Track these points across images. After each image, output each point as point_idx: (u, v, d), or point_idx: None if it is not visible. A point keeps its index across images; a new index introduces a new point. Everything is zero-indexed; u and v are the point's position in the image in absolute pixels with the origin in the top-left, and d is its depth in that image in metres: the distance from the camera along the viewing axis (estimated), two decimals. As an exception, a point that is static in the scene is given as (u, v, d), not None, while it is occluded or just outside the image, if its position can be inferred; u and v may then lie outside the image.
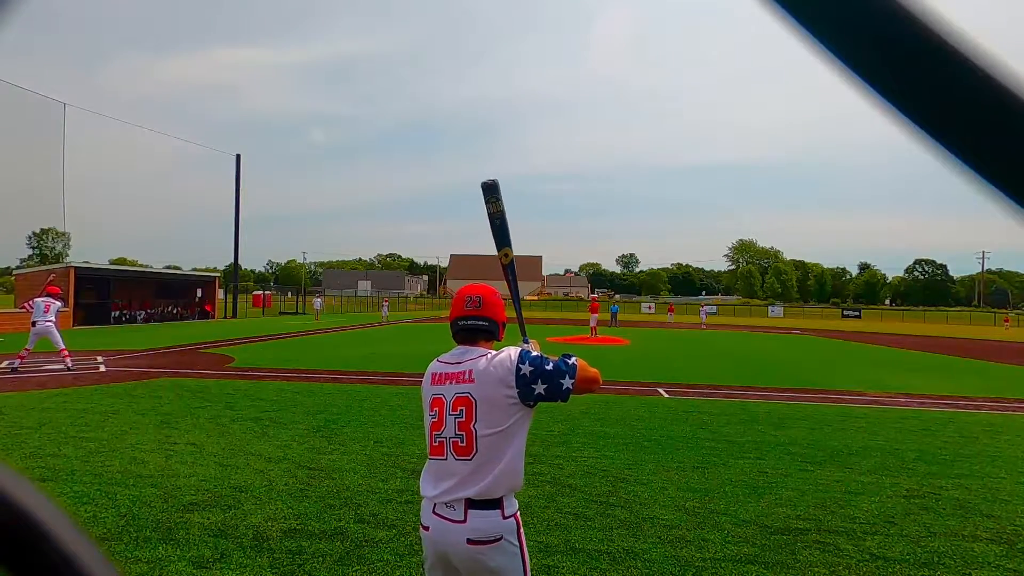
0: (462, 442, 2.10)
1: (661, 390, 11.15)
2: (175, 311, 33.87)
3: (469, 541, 2.05)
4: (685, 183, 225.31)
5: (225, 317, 36.22)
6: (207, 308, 35.48)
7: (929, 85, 0.29)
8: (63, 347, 12.48)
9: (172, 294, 34.85)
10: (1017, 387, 13.04)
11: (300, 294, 52.63)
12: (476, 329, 2.27)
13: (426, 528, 2.15)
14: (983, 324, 57.97)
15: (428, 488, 2.16)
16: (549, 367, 2.11)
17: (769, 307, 73.08)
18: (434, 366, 2.28)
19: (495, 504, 2.08)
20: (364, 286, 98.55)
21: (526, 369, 2.10)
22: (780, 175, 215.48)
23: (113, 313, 29.23)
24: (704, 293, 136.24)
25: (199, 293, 35.85)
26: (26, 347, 12.43)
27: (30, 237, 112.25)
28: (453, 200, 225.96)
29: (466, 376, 2.14)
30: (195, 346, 18.09)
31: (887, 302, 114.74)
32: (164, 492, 4.95)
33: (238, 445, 6.46)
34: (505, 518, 2.09)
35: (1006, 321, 51.23)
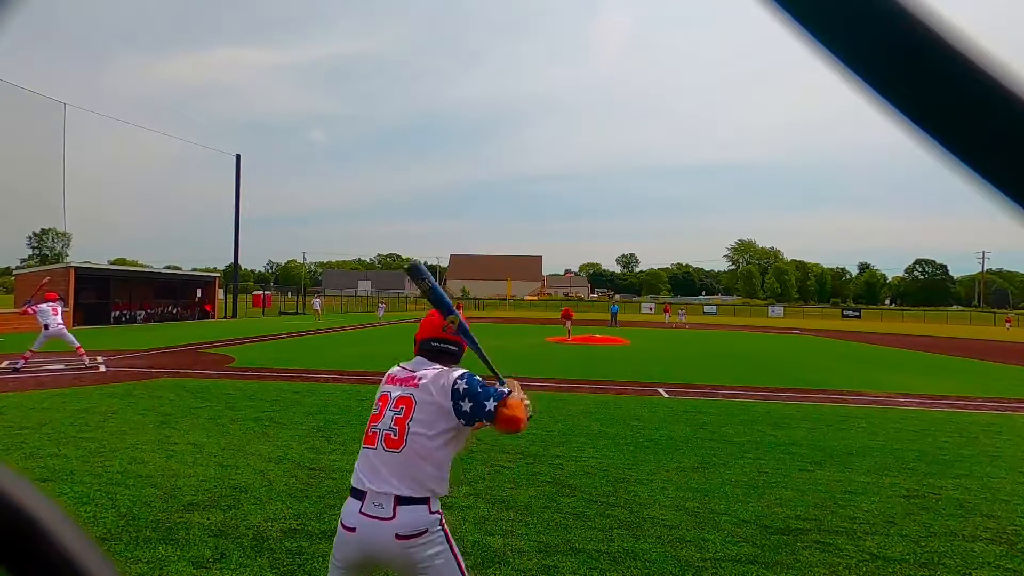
0: (394, 435, 2.23)
1: (661, 390, 11.15)
2: (175, 311, 33.88)
3: (398, 536, 2.12)
4: (685, 183, 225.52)
5: (225, 317, 36.22)
6: (207, 308, 35.49)
7: (929, 85, 0.29)
8: (78, 344, 12.67)
9: (172, 294, 34.85)
10: (1017, 387, 13.04)
11: (300, 294, 52.63)
12: (444, 351, 2.47)
13: (351, 529, 2.18)
14: (983, 324, 57.97)
15: (358, 479, 2.24)
16: (479, 390, 2.24)
17: (769, 307, 73.10)
18: (394, 370, 2.45)
19: (422, 501, 2.18)
20: (364, 286, 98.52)
21: (461, 385, 2.25)
22: (780, 175, 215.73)
23: (113, 313, 29.24)
24: (704, 293, 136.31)
25: (199, 293, 35.86)
26: (31, 348, 12.42)
27: (30, 237, 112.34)
28: (453, 200, 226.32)
29: (415, 381, 2.32)
30: (195, 346, 18.09)
31: (887, 302, 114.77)
32: (164, 492, 4.95)
33: (238, 445, 6.46)
34: (431, 512, 2.19)
35: (1007, 321, 50.94)
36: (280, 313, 45.25)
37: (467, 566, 2.32)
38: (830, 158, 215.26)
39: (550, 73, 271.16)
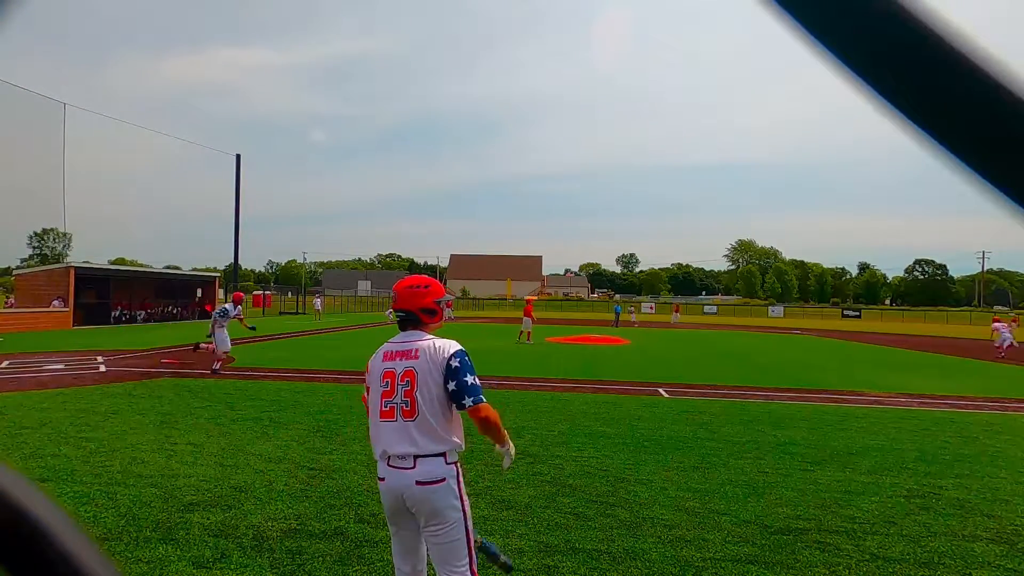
0: (407, 406, 2.57)
1: (661, 390, 11.15)
2: (175, 311, 33.88)
3: (418, 483, 2.51)
4: (685, 183, 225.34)
5: (225, 317, 36.17)
6: (207, 308, 35.47)
7: (929, 84, 0.29)
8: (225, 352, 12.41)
9: (172, 294, 34.84)
10: (1017, 387, 13.04)
11: (300, 294, 52.64)
12: (403, 320, 2.79)
13: (382, 479, 2.59)
14: (983, 324, 57.96)
15: (382, 446, 2.59)
16: (468, 380, 2.58)
17: (769, 307, 73.11)
18: (386, 346, 2.75)
19: (439, 455, 2.56)
20: (364, 286, 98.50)
21: (453, 363, 2.59)
22: (780, 175, 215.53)
23: (113, 313, 29.24)
24: (704, 293, 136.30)
25: (199, 293, 35.87)
26: (224, 351, 12.31)
27: (31, 237, 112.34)
28: (453, 200, 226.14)
29: (412, 354, 2.64)
30: (195, 346, 18.07)
31: (887, 302, 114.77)
32: (164, 492, 4.95)
33: (238, 445, 6.46)
34: (448, 464, 2.58)
35: (1014, 321, 49.97)
36: (280, 313, 45.25)
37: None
38: (830, 158, 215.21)
39: (550, 73, 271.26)
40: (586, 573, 3.73)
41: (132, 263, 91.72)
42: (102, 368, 12.67)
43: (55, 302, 25.70)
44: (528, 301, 24.43)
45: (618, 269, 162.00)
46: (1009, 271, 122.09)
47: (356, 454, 6.20)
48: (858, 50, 0.29)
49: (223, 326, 12.24)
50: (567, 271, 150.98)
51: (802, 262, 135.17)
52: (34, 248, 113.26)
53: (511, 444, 2.76)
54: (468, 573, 2.56)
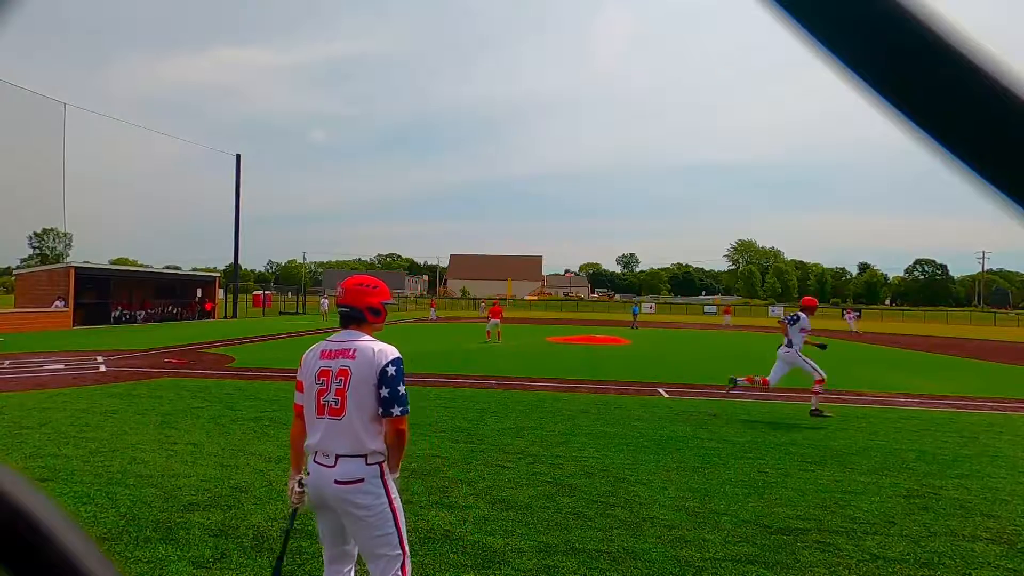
0: (336, 404, 2.56)
1: (661, 390, 11.15)
2: (175, 311, 33.88)
3: (336, 482, 2.51)
4: (685, 183, 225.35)
5: (225, 317, 36.22)
6: (207, 308, 35.49)
7: (929, 85, 0.29)
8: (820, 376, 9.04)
9: (172, 294, 34.86)
10: (1017, 387, 13.04)
11: (300, 294, 52.62)
12: (347, 316, 2.75)
13: (307, 474, 2.64)
14: (983, 324, 57.97)
15: (312, 442, 2.61)
16: (400, 390, 2.59)
17: (769, 307, 73.04)
18: (324, 344, 2.72)
19: (360, 456, 2.54)
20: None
21: (391, 371, 2.58)
22: (780, 175, 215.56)
23: (113, 313, 29.24)
24: (704, 293, 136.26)
25: (199, 293, 35.85)
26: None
27: (31, 237, 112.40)
28: (453, 200, 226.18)
29: (350, 353, 2.62)
30: (195, 346, 18.09)
31: (887, 302, 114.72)
32: (164, 492, 4.95)
33: (238, 445, 6.46)
34: (368, 464, 2.54)
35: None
36: (280, 313, 45.23)
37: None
38: (831, 158, 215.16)
39: (550, 73, 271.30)
40: (586, 573, 3.73)
41: (132, 263, 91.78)
42: (102, 368, 12.67)
43: (57, 302, 25.70)
44: (495, 303, 25.21)
45: (618, 269, 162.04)
46: (1009, 271, 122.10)
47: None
48: (858, 50, 0.29)
49: None
50: (567, 271, 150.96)
51: (802, 262, 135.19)
52: (34, 248, 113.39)
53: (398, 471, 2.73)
54: (397, 566, 2.55)
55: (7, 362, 13.19)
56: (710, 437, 7.35)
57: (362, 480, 2.52)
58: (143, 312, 31.56)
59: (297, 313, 45.22)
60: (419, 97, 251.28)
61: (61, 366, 12.72)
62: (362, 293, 2.76)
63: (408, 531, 4.26)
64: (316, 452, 2.59)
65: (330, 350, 2.67)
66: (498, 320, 22.23)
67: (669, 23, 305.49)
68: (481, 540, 4.15)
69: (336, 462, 2.53)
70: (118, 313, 29.78)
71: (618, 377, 12.86)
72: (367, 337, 2.69)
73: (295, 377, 2.78)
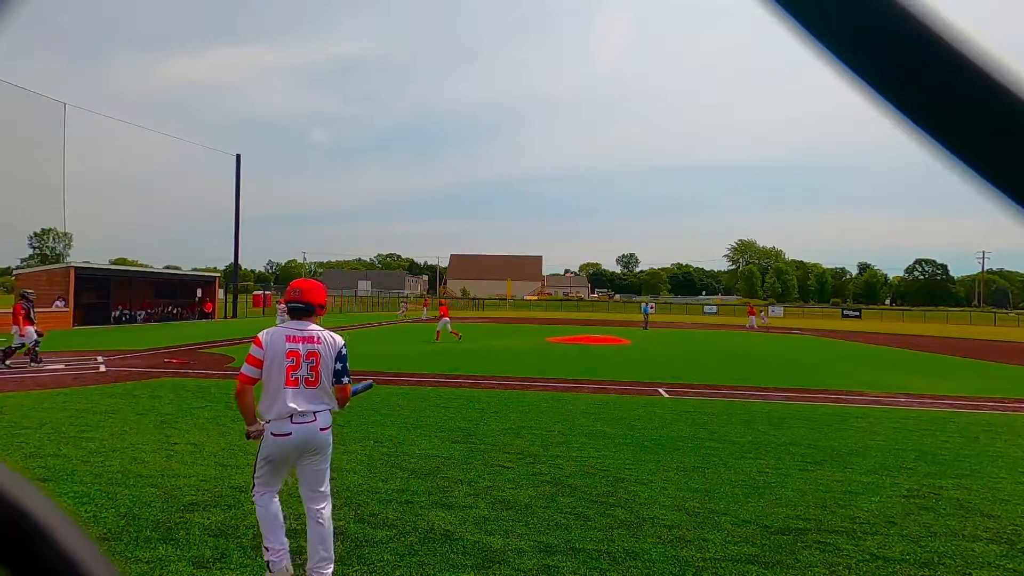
0: (311, 378, 3.48)
1: (661, 390, 11.15)
2: (175, 311, 33.87)
3: (321, 430, 3.51)
4: (685, 183, 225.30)
5: (225, 317, 36.22)
6: (207, 308, 35.47)
7: (929, 85, 0.29)
8: None
9: (172, 294, 34.83)
10: (1017, 387, 13.04)
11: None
12: (301, 310, 3.60)
13: (287, 435, 3.43)
14: (983, 324, 57.98)
15: (286, 407, 3.40)
16: (347, 365, 3.61)
17: (769, 307, 73.05)
18: (285, 331, 3.53)
19: (328, 410, 3.58)
20: (364, 286, 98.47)
21: (343, 352, 3.60)
22: (780, 175, 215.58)
23: (113, 313, 29.23)
24: (704, 293, 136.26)
25: (199, 293, 35.85)
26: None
27: (31, 237, 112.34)
28: (453, 200, 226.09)
29: (315, 340, 3.52)
30: (195, 346, 18.09)
31: (887, 302, 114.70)
32: (164, 492, 4.95)
33: (238, 445, 6.45)
34: (331, 416, 3.60)
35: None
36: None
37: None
38: (830, 157, 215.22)
39: (550, 73, 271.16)
40: (586, 573, 3.73)
41: (132, 263, 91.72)
42: (102, 368, 12.67)
43: (57, 302, 25.69)
44: (443, 303, 25.74)
45: (618, 269, 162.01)
46: (1009, 271, 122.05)
47: (356, 454, 6.20)
48: (858, 50, 0.29)
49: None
50: (567, 271, 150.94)
51: (802, 262, 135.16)
52: (34, 248, 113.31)
53: None
54: (329, 488, 3.64)
55: (7, 362, 13.19)
56: (710, 437, 7.35)
57: (331, 426, 3.59)
58: (143, 312, 31.55)
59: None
60: (419, 97, 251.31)
61: (61, 366, 12.71)
62: (315, 291, 3.66)
63: (408, 531, 4.27)
64: (293, 415, 3.41)
65: (294, 336, 3.50)
66: (448, 319, 22.76)
67: (669, 23, 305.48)
68: (481, 540, 4.15)
69: (315, 417, 3.48)
70: (118, 313, 29.77)
71: (618, 377, 12.86)
72: (317, 326, 3.59)
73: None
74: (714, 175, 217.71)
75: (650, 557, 3.95)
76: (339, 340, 3.58)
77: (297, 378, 3.42)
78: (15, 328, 12.68)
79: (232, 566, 3.71)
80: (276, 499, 3.55)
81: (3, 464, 0.34)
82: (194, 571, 3.63)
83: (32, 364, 12.66)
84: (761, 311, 44.55)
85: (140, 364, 13.46)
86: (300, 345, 3.46)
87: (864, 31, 0.29)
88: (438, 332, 22.31)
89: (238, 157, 37.82)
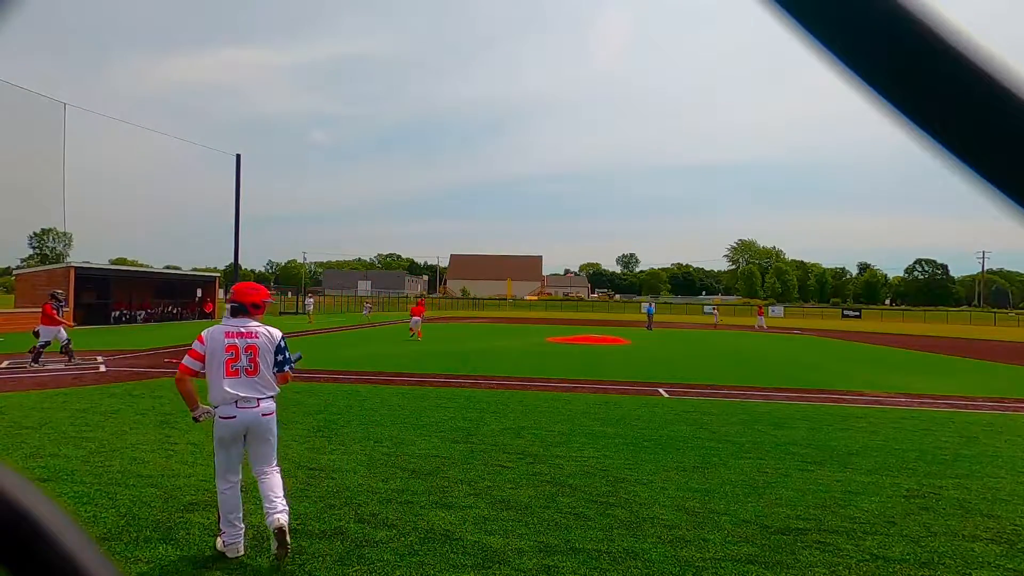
0: (251, 368, 3.93)
1: (661, 390, 11.15)
2: (175, 311, 33.86)
3: (263, 415, 3.94)
4: (685, 183, 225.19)
5: (225, 317, 36.12)
6: (207, 308, 35.46)
7: (929, 84, 0.29)
8: None
9: (172, 294, 34.81)
10: (1017, 387, 13.04)
11: (300, 294, 52.61)
12: (240, 308, 4.06)
13: (232, 417, 3.86)
14: (983, 324, 57.98)
15: (230, 394, 3.85)
16: (288, 355, 4.12)
17: (769, 307, 73.05)
18: (225, 327, 3.98)
19: (272, 397, 4.02)
20: (364, 286, 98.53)
21: (282, 344, 4.09)
22: (780, 175, 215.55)
23: (113, 313, 29.22)
24: (704, 293, 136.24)
25: (199, 293, 35.84)
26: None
27: (31, 237, 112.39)
28: (453, 200, 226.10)
29: (253, 335, 3.98)
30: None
31: (887, 302, 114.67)
32: (164, 492, 4.95)
33: (238, 445, 6.45)
34: (275, 401, 4.06)
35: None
36: (280, 313, 45.23)
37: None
38: (830, 157, 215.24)
39: (550, 73, 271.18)
40: (586, 573, 3.73)
41: (132, 263, 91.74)
42: (102, 368, 12.67)
43: (56, 302, 25.66)
44: (419, 302, 25.82)
45: (618, 269, 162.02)
46: (1009, 271, 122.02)
47: (356, 454, 6.20)
48: (858, 49, 0.29)
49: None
50: (567, 271, 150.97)
51: (802, 262, 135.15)
52: (34, 248, 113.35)
53: None
54: (278, 465, 4.07)
55: (7, 362, 13.19)
56: (710, 437, 7.34)
57: (274, 411, 4.04)
58: (143, 312, 31.54)
59: (297, 313, 45.18)
60: (419, 97, 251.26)
61: (61, 366, 12.71)
62: (248, 294, 4.11)
63: (408, 531, 4.27)
64: (237, 400, 3.85)
65: (233, 332, 3.95)
66: (419, 318, 23.15)
67: (669, 23, 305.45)
68: (481, 540, 4.15)
69: (258, 403, 3.91)
70: (118, 313, 29.76)
71: (618, 377, 12.86)
72: (256, 322, 4.07)
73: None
74: (714, 175, 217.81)
75: (650, 557, 3.95)
76: (277, 333, 4.05)
77: (237, 369, 3.89)
78: (43, 327, 12.93)
79: (232, 566, 3.70)
80: (237, 490, 3.92)
81: (3, 465, 0.34)
82: (194, 571, 3.63)
83: (68, 362, 13.07)
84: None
85: (140, 364, 13.46)
86: (239, 340, 3.92)
87: (864, 31, 0.29)
88: (412, 329, 22.82)
89: (238, 157, 37.77)
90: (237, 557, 3.80)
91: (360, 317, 40.84)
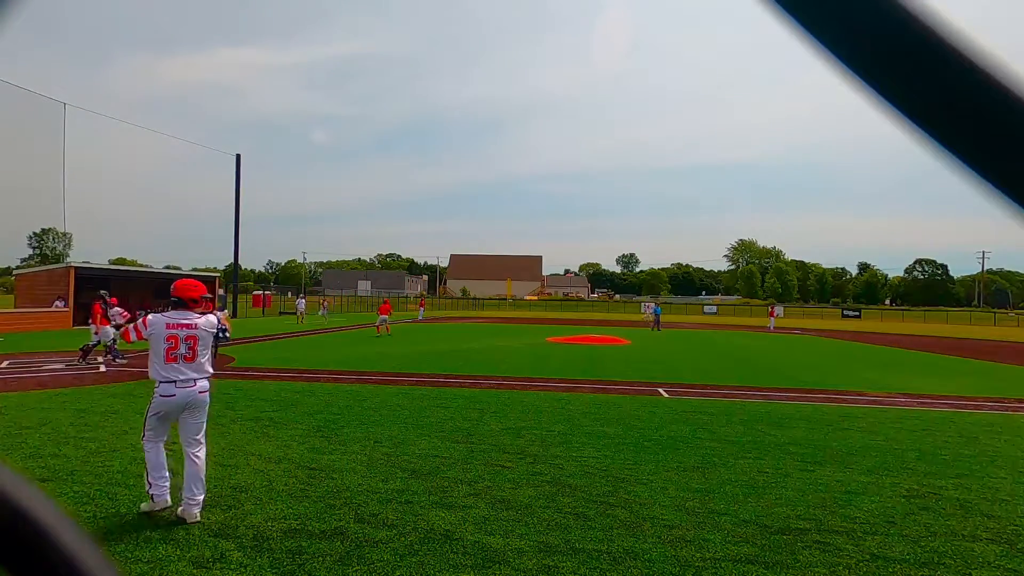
0: (190, 355, 4.52)
1: (661, 390, 11.15)
2: (175, 311, 33.75)
3: (200, 392, 4.55)
4: (685, 183, 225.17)
5: (225, 317, 36.09)
6: (207, 308, 35.37)
7: (929, 84, 0.29)
8: None
9: (172, 294, 34.69)
10: (1017, 387, 13.04)
11: (300, 294, 52.61)
12: (179, 303, 4.62)
13: (172, 396, 4.43)
14: (983, 324, 57.97)
15: (171, 376, 4.43)
16: (225, 333, 7.86)
17: (774, 308, 73.06)
18: (167, 318, 4.53)
19: (207, 378, 4.63)
20: (364, 286, 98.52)
21: (218, 330, 5.01)
22: (780, 175, 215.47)
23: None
24: (704, 293, 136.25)
25: (199, 293, 35.70)
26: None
27: (31, 237, 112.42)
28: (453, 200, 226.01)
29: (192, 326, 4.55)
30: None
31: (887, 302, 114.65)
32: (164, 492, 4.94)
33: (238, 445, 6.46)
34: (209, 382, 4.64)
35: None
36: (280, 313, 45.22)
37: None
38: (830, 157, 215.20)
39: (550, 73, 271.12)
40: (586, 573, 3.73)
41: (132, 263, 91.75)
42: (102, 368, 12.67)
43: (57, 302, 25.68)
44: (385, 301, 27.68)
45: (618, 269, 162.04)
46: (1009, 271, 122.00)
47: (356, 454, 6.20)
48: (858, 50, 0.29)
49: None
50: (567, 271, 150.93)
51: (802, 262, 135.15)
52: (34, 248, 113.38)
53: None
54: (204, 438, 4.62)
55: (7, 362, 13.19)
56: (710, 437, 7.34)
57: (208, 390, 4.62)
58: (143, 312, 31.52)
59: (296, 313, 45.16)
60: (419, 97, 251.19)
61: (61, 366, 12.71)
62: (185, 290, 4.67)
63: (408, 531, 4.27)
64: (176, 380, 4.41)
65: (174, 323, 4.49)
66: (386, 316, 24.65)
67: (670, 23, 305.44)
68: (481, 540, 4.15)
69: (195, 383, 4.50)
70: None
71: (618, 377, 12.86)
72: (197, 315, 4.62)
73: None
74: (714, 175, 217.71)
75: (650, 557, 3.95)
76: (213, 320, 4.70)
77: (176, 355, 4.44)
78: (93, 326, 13.81)
79: (232, 566, 3.71)
80: (162, 447, 4.51)
81: (3, 465, 0.34)
82: (194, 571, 3.63)
83: (117, 360, 13.53)
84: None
85: (140, 364, 13.45)
86: (179, 331, 4.48)
87: (864, 30, 0.29)
88: (378, 327, 24.21)
89: (238, 157, 37.80)
90: (166, 508, 4.37)
91: (318, 319, 37.05)
